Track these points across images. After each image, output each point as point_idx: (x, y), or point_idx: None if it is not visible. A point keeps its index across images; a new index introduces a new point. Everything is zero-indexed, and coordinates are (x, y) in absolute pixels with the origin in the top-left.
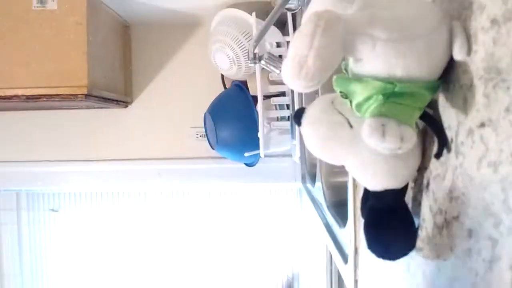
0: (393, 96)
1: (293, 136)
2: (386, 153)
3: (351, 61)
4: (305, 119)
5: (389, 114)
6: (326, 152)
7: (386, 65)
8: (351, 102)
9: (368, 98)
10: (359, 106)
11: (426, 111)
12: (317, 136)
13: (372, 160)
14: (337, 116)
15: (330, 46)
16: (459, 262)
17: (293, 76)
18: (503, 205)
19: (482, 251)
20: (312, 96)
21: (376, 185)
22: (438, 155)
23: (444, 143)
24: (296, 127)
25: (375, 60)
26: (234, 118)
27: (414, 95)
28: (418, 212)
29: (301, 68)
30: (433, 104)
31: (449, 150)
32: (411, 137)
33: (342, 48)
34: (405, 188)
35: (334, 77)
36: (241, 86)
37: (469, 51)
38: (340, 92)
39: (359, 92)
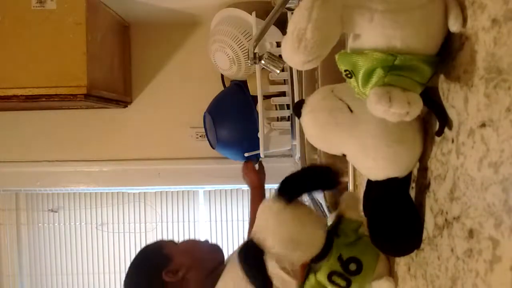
0: (393, 69)
1: (293, 136)
2: (394, 121)
3: (350, 39)
4: (305, 108)
5: (393, 83)
6: (325, 139)
7: (385, 37)
8: (356, 78)
9: (371, 71)
10: (365, 77)
11: (424, 92)
12: (317, 122)
13: (373, 143)
14: (337, 102)
15: (328, 18)
16: (460, 262)
17: (292, 50)
18: (504, 206)
19: (483, 251)
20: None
21: (378, 172)
22: (439, 133)
23: (444, 121)
24: (296, 126)
25: (374, 33)
26: (234, 117)
27: (414, 69)
28: (419, 213)
29: (300, 41)
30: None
31: (450, 128)
32: (418, 101)
33: (340, 21)
34: (408, 180)
35: (337, 55)
36: (239, 85)
37: (464, 22)
38: (345, 70)
39: (361, 64)
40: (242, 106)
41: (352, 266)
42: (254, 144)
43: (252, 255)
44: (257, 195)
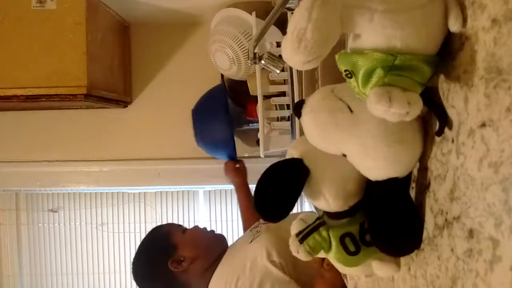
0: (393, 69)
1: (293, 136)
2: (394, 121)
3: (350, 39)
4: (305, 108)
5: (393, 83)
6: (326, 139)
7: (385, 37)
8: (356, 78)
9: (371, 71)
10: (365, 77)
11: (424, 92)
12: (317, 122)
13: (373, 143)
14: (337, 102)
15: (328, 18)
16: (460, 262)
17: (293, 49)
18: (504, 206)
19: (483, 251)
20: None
21: (378, 172)
22: (439, 133)
23: (444, 121)
24: (296, 126)
25: (374, 33)
26: (207, 115)
27: (414, 69)
28: (419, 213)
29: (300, 41)
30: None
31: (450, 128)
32: (418, 101)
33: (340, 21)
34: (408, 180)
35: (337, 55)
36: (220, 86)
37: (464, 22)
38: (345, 70)
39: (361, 64)
40: (216, 107)
41: (369, 237)
42: (227, 141)
43: (294, 171)
44: (241, 194)
